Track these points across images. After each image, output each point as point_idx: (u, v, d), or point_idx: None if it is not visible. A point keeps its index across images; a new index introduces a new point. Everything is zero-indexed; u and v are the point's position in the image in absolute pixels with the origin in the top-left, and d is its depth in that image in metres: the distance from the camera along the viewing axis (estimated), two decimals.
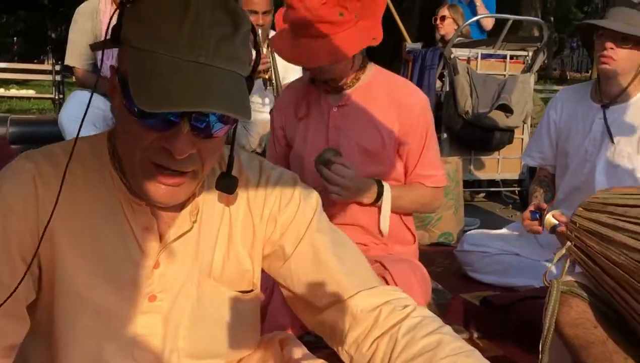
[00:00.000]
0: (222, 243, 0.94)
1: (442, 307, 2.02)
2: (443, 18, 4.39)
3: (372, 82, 1.76)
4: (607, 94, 2.16)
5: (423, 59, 4.03)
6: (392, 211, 1.74)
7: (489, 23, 4.74)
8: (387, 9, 4.50)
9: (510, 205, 4.29)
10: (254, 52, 0.86)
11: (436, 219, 2.98)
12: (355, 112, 1.75)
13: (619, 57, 2.04)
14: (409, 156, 1.75)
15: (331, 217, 1.77)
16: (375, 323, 0.88)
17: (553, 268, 1.72)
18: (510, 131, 3.84)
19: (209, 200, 0.93)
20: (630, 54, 2.05)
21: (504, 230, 2.44)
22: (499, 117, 3.67)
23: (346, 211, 1.76)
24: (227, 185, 0.89)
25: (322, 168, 1.62)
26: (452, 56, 3.76)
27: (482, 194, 4.59)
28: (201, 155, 0.81)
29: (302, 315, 0.99)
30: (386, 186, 1.73)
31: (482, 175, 4.09)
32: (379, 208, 1.75)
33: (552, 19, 20.95)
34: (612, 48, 2.04)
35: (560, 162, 2.37)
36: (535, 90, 7.27)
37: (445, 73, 3.87)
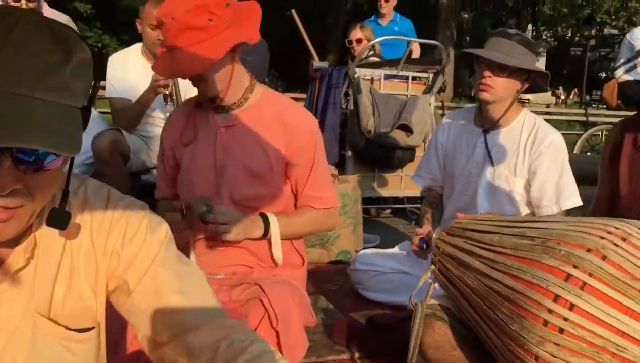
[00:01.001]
0: (63, 278, 0.89)
1: (328, 327, 2.04)
2: (360, 41, 4.47)
3: (260, 103, 1.76)
4: (487, 119, 2.27)
5: (329, 77, 4.09)
6: (285, 239, 1.75)
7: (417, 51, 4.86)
8: (296, 27, 4.56)
9: (414, 222, 4.42)
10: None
11: (334, 237, 3.02)
12: (243, 133, 1.74)
13: (496, 85, 2.15)
14: (298, 178, 1.76)
15: (217, 239, 1.76)
16: (213, 359, 0.87)
17: (432, 288, 1.78)
18: (411, 150, 3.95)
19: (49, 234, 0.88)
20: (507, 83, 2.16)
21: (394, 249, 2.50)
22: (399, 136, 3.78)
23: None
24: (58, 220, 0.85)
25: (205, 218, 1.61)
26: (356, 76, 3.84)
27: (388, 211, 4.69)
28: (30, 189, 0.77)
29: (146, 350, 0.97)
30: (272, 218, 1.73)
31: (385, 192, 4.19)
32: (269, 241, 1.76)
33: (467, 38, 21.95)
34: (489, 76, 2.14)
35: (447, 183, 2.46)
36: (449, 107, 7.54)
37: (349, 92, 3.95)
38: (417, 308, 1.37)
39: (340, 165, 4.03)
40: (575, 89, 20.27)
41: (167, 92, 2.99)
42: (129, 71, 3.05)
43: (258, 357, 0.85)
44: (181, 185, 1.83)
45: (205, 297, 0.95)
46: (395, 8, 5.40)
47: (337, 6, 17.46)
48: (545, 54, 22.25)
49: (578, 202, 2.15)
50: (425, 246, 2.33)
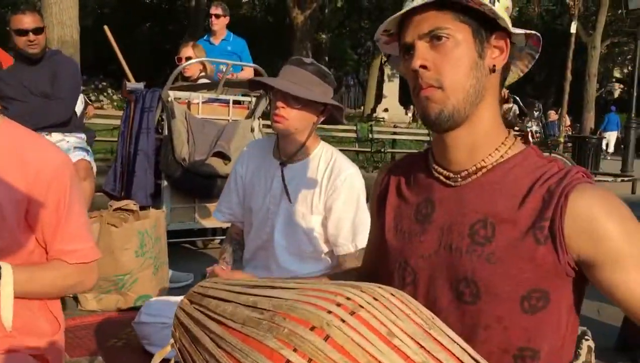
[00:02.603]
0: None
1: None
2: (189, 59, 4.13)
3: None
4: (285, 152, 2.12)
5: (143, 100, 3.77)
6: (22, 297, 1.42)
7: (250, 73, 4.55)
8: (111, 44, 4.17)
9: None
10: None
11: (131, 282, 2.69)
12: None
13: (290, 117, 2.00)
14: (44, 230, 1.45)
15: None
16: None
17: None
18: None
19: None
20: (301, 115, 2.02)
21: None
22: (217, 164, 3.56)
23: None
24: None
25: None
26: (169, 99, 3.56)
27: (217, 241, 4.43)
28: None
29: None
30: (6, 267, 1.40)
31: (207, 222, 3.92)
32: None
33: (326, 58, 22.53)
34: (283, 107, 1.99)
35: (247, 219, 2.27)
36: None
37: (164, 116, 3.65)
38: None
39: (156, 195, 3.71)
40: None
41: None
42: None
43: None
44: None
45: None
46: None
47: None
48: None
49: None
50: None
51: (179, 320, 1.16)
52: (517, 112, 1.18)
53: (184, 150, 3.48)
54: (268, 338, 0.92)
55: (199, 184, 3.60)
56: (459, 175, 1.08)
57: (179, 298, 2.24)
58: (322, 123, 2.16)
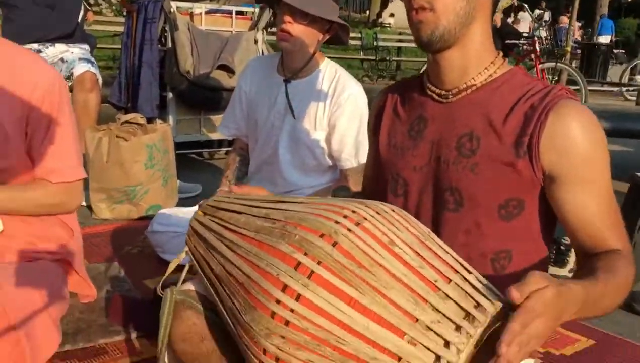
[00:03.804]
0: None
1: (110, 301, 1.86)
2: None
3: None
4: (289, 68, 2.14)
5: (145, 10, 3.71)
6: (14, 214, 1.51)
7: None
8: None
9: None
10: None
11: (142, 193, 2.79)
12: None
13: (296, 33, 2.01)
14: (32, 146, 1.50)
15: None
16: None
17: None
18: None
19: None
20: (307, 31, 2.03)
21: (196, 207, 2.35)
22: (222, 77, 3.56)
23: None
24: None
25: None
26: (172, 10, 3.51)
27: (223, 152, 4.51)
28: None
29: None
30: None
31: (214, 135, 3.98)
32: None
33: None
34: (290, 22, 2.00)
35: (251, 134, 2.34)
36: None
37: (167, 28, 3.62)
38: (166, 295, 1.23)
39: (163, 107, 3.75)
40: None
41: None
42: None
43: None
44: None
45: None
46: None
47: None
48: None
49: None
50: None
51: (193, 230, 1.26)
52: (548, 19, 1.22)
53: (188, 62, 3.47)
54: (281, 244, 1.01)
55: (204, 97, 3.63)
56: (450, 93, 1.16)
57: (188, 209, 2.35)
58: (326, 42, 2.17)
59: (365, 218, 1.01)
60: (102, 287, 1.94)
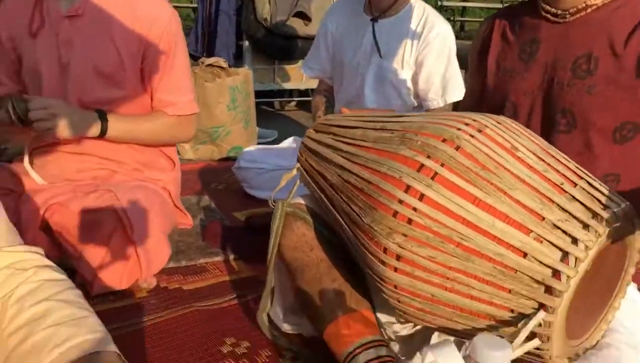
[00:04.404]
0: None
1: (204, 229, 1.95)
2: None
3: None
4: (377, 7, 2.14)
5: None
6: (131, 143, 1.60)
7: None
8: None
9: None
10: None
11: (224, 134, 2.87)
12: (90, 25, 1.52)
13: None
14: (150, 79, 1.58)
15: (68, 148, 1.58)
16: None
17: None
18: (311, 39, 3.76)
19: None
20: None
21: (280, 146, 2.41)
22: (298, 24, 3.58)
23: (84, 143, 1.58)
24: None
25: (24, 117, 1.40)
26: None
27: (293, 103, 4.56)
28: None
29: None
30: (112, 117, 1.56)
31: (287, 84, 4.03)
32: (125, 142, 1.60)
33: None
34: None
35: (336, 74, 2.35)
36: None
37: None
38: (277, 207, 1.29)
39: (238, 56, 3.80)
40: None
41: None
42: None
43: (38, 288, 0.73)
44: (28, 82, 1.61)
45: None
46: None
47: None
48: None
49: (463, 94, 2.11)
50: None
51: (306, 146, 1.30)
52: None
53: (265, 9, 3.50)
54: (402, 149, 1.04)
55: (280, 45, 3.66)
56: (567, 12, 1.14)
57: (274, 147, 2.42)
58: None
59: (487, 126, 1.02)
60: (195, 216, 2.04)
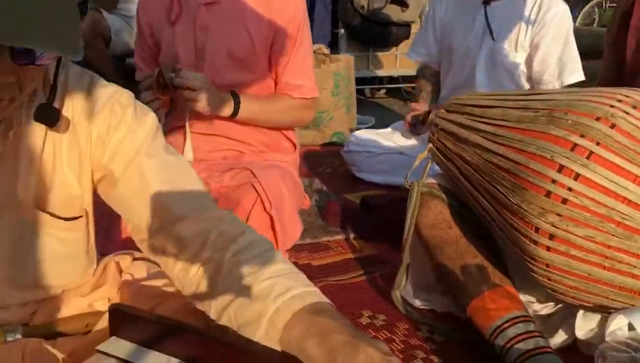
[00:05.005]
0: (46, 166, 0.84)
1: (322, 209, 2.02)
2: None
3: None
4: None
5: None
6: (259, 125, 1.68)
7: None
8: None
9: (409, 101, 4.31)
10: None
11: (327, 119, 2.94)
12: (225, 12, 1.61)
13: None
14: (278, 63, 1.65)
15: (200, 129, 1.69)
16: (202, 248, 0.82)
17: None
18: (406, 26, 3.77)
19: (29, 120, 0.81)
20: None
21: (389, 129, 2.44)
22: (394, 11, 3.58)
23: (215, 124, 1.68)
24: (47, 117, 0.79)
25: (174, 82, 1.51)
26: None
27: (383, 91, 4.58)
28: (20, 82, 0.70)
29: (135, 241, 0.92)
30: (244, 99, 1.65)
31: (380, 71, 4.05)
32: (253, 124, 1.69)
33: None
34: None
35: (445, 58, 2.35)
36: None
37: None
38: (413, 187, 1.32)
39: (333, 44, 3.86)
40: None
41: None
42: None
43: (249, 246, 0.81)
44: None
45: (194, 187, 0.90)
46: None
47: None
48: None
49: (581, 77, 2.06)
50: (420, 124, 2.26)
51: (438, 126, 1.32)
52: None
53: None
54: (551, 129, 1.05)
55: (376, 32, 3.69)
56: None
57: (382, 131, 2.45)
58: None
59: None
60: (310, 197, 2.11)
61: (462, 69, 2.26)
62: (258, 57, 1.63)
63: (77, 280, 0.94)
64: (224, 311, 0.77)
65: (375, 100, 4.41)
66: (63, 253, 0.89)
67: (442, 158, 1.31)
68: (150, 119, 0.91)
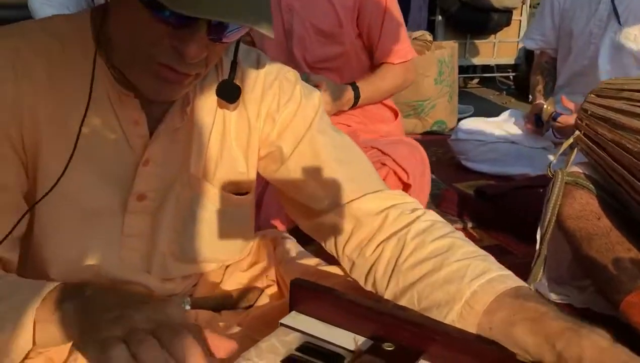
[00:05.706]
0: (215, 142, 0.84)
1: (435, 197, 1.97)
2: None
3: None
4: None
5: None
6: (371, 103, 1.69)
7: None
8: None
9: (504, 91, 4.17)
10: None
11: (429, 107, 2.88)
12: None
13: None
14: (370, 30, 1.63)
15: None
16: (381, 227, 0.80)
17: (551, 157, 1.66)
18: (507, 12, 3.65)
19: (201, 95, 0.83)
20: None
21: (499, 118, 2.36)
22: None
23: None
24: (229, 93, 0.80)
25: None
26: None
27: (476, 80, 4.46)
28: (208, 58, 0.72)
29: (297, 219, 0.92)
30: (361, 85, 1.64)
31: (476, 60, 3.95)
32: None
33: None
34: None
35: (563, 44, 2.25)
36: None
37: None
38: (557, 176, 1.26)
39: (429, 32, 3.78)
40: None
41: None
42: None
43: (431, 227, 0.78)
44: None
45: (365, 166, 0.88)
46: None
47: None
48: None
49: None
50: (540, 123, 2.17)
51: (588, 112, 1.25)
52: None
53: None
54: None
55: (475, 18, 3.59)
56: None
57: (492, 119, 2.37)
58: None
59: None
60: None
61: (582, 54, 2.16)
62: (345, 29, 1.63)
63: (237, 255, 0.95)
64: (406, 291, 0.75)
65: (468, 89, 4.30)
66: (230, 229, 0.90)
67: (593, 145, 1.24)
68: (317, 96, 0.90)
